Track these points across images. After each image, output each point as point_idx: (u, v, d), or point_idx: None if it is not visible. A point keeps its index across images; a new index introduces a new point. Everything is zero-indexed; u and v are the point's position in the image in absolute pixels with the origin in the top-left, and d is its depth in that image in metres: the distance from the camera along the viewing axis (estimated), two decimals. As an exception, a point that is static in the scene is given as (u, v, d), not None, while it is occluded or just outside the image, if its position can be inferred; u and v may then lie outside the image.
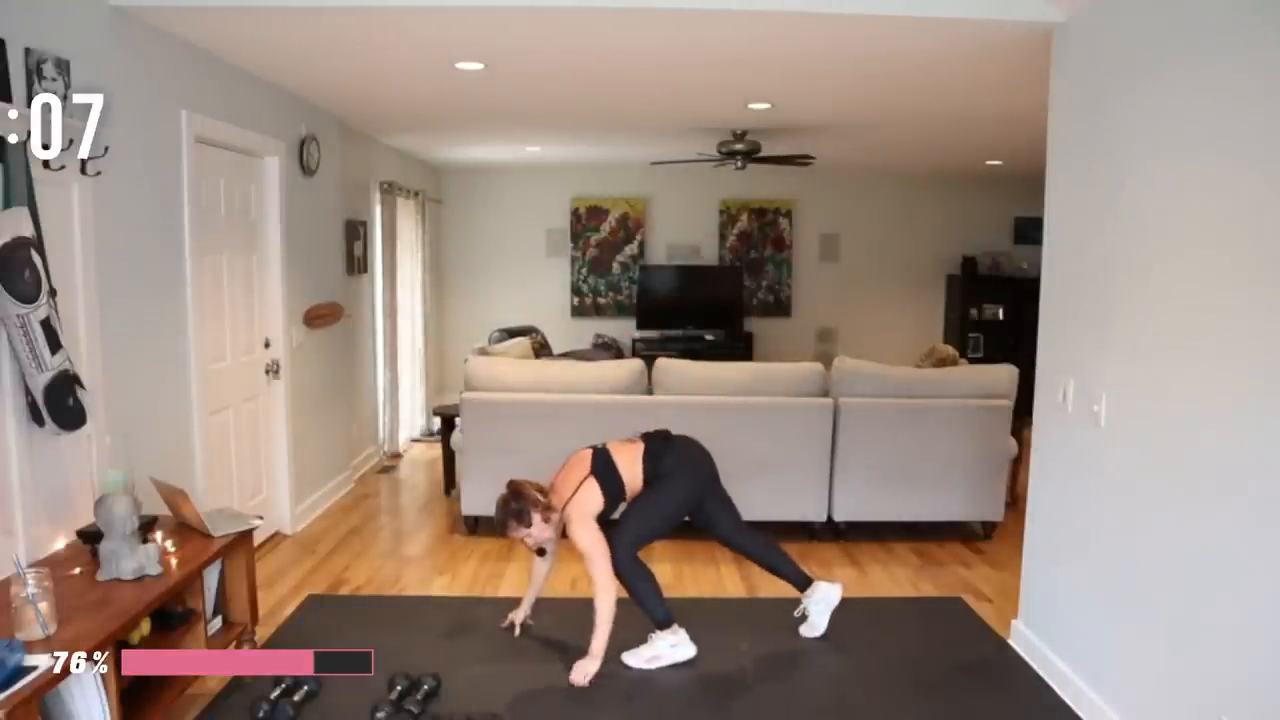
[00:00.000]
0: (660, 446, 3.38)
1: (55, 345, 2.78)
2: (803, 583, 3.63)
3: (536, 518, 3.25)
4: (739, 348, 8.75)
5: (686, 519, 3.53)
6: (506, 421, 4.92)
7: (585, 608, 3.95)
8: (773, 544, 3.70)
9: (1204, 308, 2.53)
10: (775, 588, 3.89)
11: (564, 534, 3.37)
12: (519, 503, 3.26)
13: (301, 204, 5.18)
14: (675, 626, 3.39)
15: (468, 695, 3.10)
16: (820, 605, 3.59)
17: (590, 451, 3.38)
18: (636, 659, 3.35)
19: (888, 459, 4.91)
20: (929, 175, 8.88)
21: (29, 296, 2.68)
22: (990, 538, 5.11)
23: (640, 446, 3.36)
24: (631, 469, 3.32)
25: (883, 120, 5.82)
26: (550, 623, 3.69)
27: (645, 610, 3.39)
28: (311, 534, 5.12)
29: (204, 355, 4.08)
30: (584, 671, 3.20)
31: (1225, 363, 2.43)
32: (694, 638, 3.58)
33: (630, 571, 3.32)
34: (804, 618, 3.61)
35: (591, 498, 3.27)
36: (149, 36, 3.61)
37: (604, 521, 3.34)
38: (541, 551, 3.43)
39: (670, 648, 3.36)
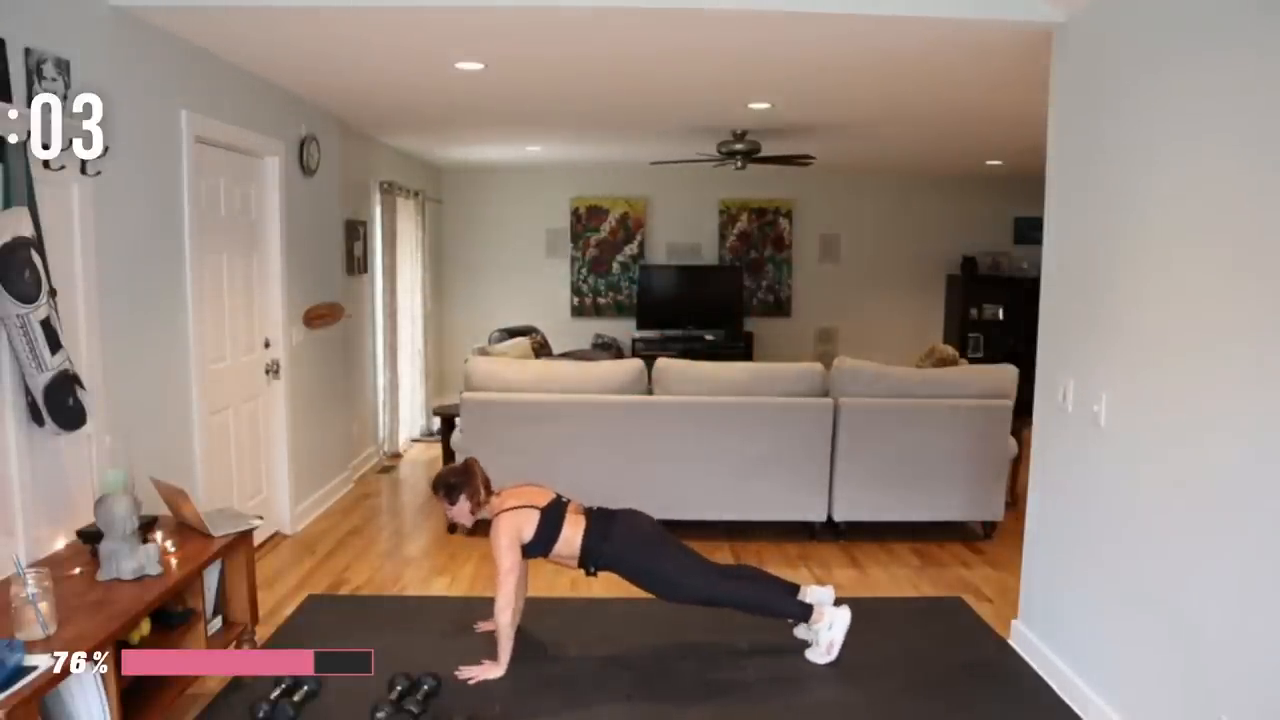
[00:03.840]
0: (601, 528, 3.34)
1: (55, 345, 2.78)
2: (805, 614, 3.46)
3: (464, 503, 3.30)
4: (739, 348, 8.76)
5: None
6: (506, 421, 4.92)
7: (586, 608, 3.97)
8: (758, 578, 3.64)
9: (1205, 307, 2.52)
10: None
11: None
12: (458, 479, 3.32)
13: (301, 204, 5.18)
14: (816, 608, 3.40)
15: (468, 695, 3.10)
16: (832, 631, 3.42)
17: (555, 494, 3.39)
18: (820, 656, 3.38)
19: (888, 459, 4.91)
20: (929, 175, 8.89)
21: (29, 296, 2.68)
22: (990, 538, 5.11)
23: (583, 524, 3.34)
24: (571, 536, 3.31)
25: (883, 120, 5.82)
26: (551, 623, 3.69)
27: (781, 617, 3.45)
28: (311, 534, 5.12)
29: (204, 355, 4.08)
30: (477, 672, 3.20)
31: (1225, 362, 2.43)
32: (694, 638, 3.59)
33: (729, 594, 3.40)
34: (812, 641, 3.47)
35: (526, 524, 3.27)
36: (149, 36, 3.61)
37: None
38: (453, 529, 3.43)
39: (829, 629, 3.38)
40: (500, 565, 3.22)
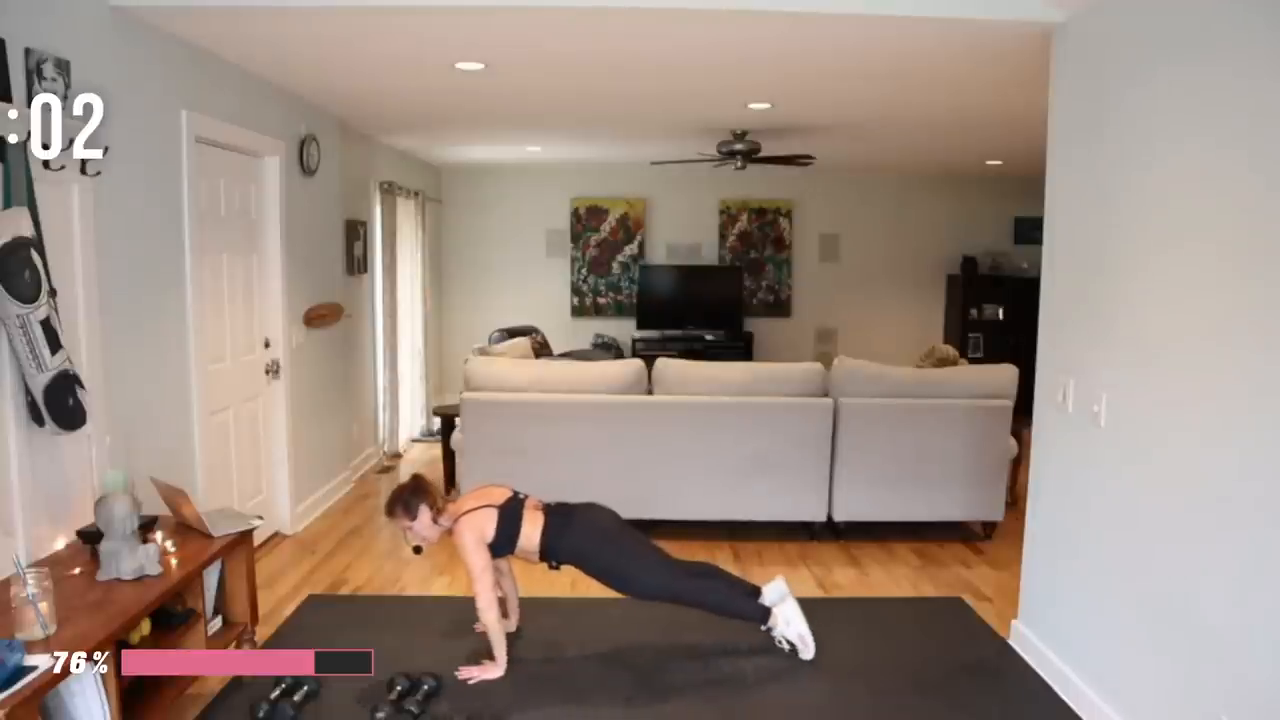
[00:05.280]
0: (559, 525, 3.34)
1: (55, 345, 2.78)
2: (764, 616, 3.46)
3: (425, 514, 3.28)
4: (739, 348, 8.75)
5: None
6: (506, 422, 4.92)
7: (586, 608, 3.97)
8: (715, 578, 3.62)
9: (1204, 307, 2.53)
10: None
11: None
12: (414, 497, 3.30)
13: (301, 204, 5.18)
14: (771, 610, 3.42)
15: (468, 695, 3.10)
16: (791, 628, 3.42)
17: (510, 492, 3.40)
18: (805, 653, 3.39)
19: (888, 459, 4.91)
20: (929, 175, 8.88)
21: (29, 296, 2.68)
22: (990, 538, 5.10)
23: (541, 520, 3.34)
24: (530, 533, 3.32)
25: (883, 120, 5.82)
26: (551, 623, 3.69)
27: (739, 618, 3.46)
28: (311, 534, 5.12)
29: (204, 355, 4.08)
30: (477, 672, 3.21)
31: (1225, 362, 2.43)
32: (694, 638, 3.59)
33: (688, 592, 3.42)
34: (790, 647, 3.44)
35: (487, 523, 3.27)
36: (149, 36, 3.61)
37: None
38: (418, 549, 3.42)
39: (788, 626, 3.39)
40: (472, 567, 3.23)
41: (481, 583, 3.21)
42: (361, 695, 2.98)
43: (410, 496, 3.30)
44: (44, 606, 2.34)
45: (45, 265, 2.76)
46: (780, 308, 9.22)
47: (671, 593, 3.41)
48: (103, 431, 3.23)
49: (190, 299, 3.94)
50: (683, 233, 9.14)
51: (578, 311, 9.15)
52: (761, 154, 6.48)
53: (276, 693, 2.96)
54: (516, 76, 4.58)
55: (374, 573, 4.53)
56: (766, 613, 3.42)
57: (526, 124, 6.34)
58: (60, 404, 2.83)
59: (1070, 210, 3.34)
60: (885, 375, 5.01)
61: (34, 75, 2.84)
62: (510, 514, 3.31)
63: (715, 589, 3.50)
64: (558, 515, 3.37)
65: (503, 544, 3.30)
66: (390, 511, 3.35)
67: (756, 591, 3.50)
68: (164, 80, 3.76)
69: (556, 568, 3.41)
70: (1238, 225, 2.40)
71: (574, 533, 3.34)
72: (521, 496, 3.40)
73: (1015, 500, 5.19)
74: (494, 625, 3.23)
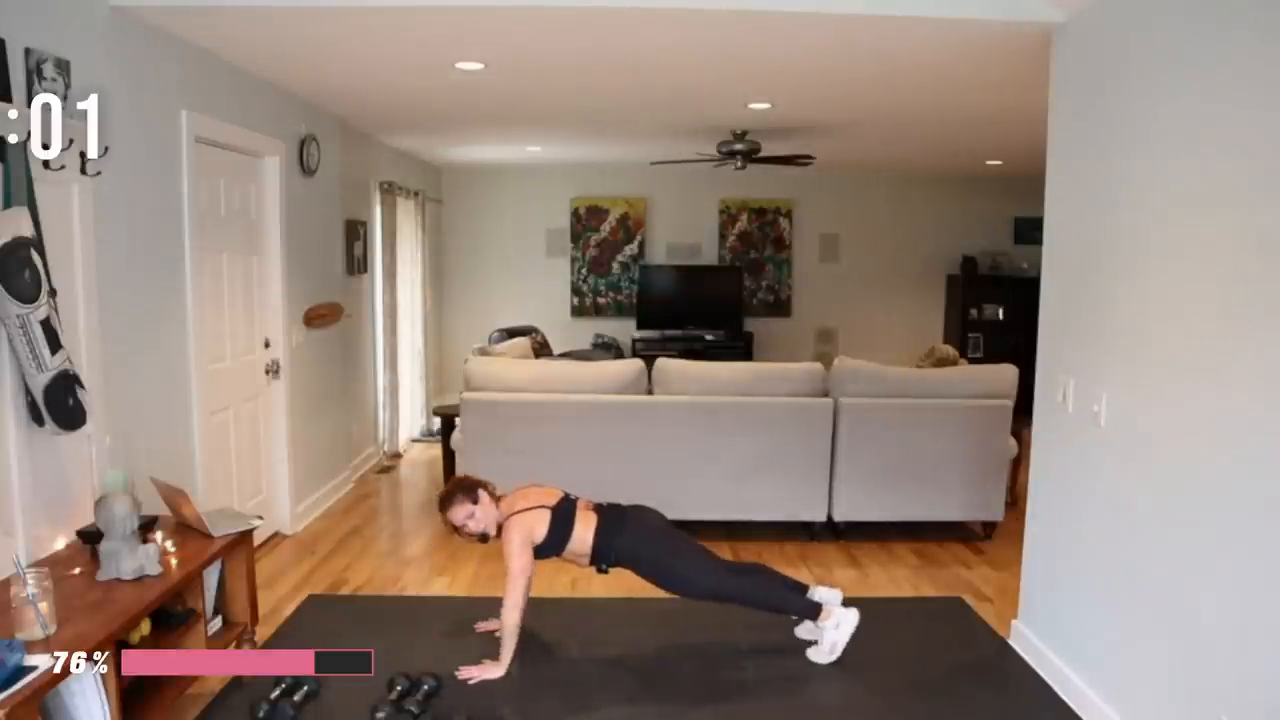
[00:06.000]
0: (614, 525, 3.35)
1: (55, 345, 2.78)
2: (813, 611, 3.43)
3: (485, 497, 3.31)
4: (739, 348, 8.76)
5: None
6: (506, 421, 4.92)
7: (586, 608, 3.98)
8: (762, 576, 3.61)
9: (1204, 307, 2.52)
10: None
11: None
12: (470, 481, 3.36)
13: (301, 204, 5.18)
14: (824, 607, 3.40)
15: (468, 695, 3.10)
16: (837, 630, 3.39)
17: (562, 494, 3.41)
18: (823, 655, 3.37)
19: (888, 459, 4.91)
20: (929, 175, 8.89)
21: (29, 296, 2.68)
22: (990, 538, 5.10)
23: (595, 520, 3.35)
24: (583, 534, 3.32)
25: (883, 120, 5.82)
26: (551, 623, 3.69)
27: (789, 614, 3.45)
28: (311, 534, 5.12)
29: (204, 355, 4.08)
30: (477, 672, 3.20)
31: (1225, 362, 2.43)
32: (694, 639, 3.59)
33: (739, 590, 3.40)
34: (815, 643, 3.44)
35: (538, 525, 3.28)
36: (149, 36, 3.61)
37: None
38: (485, 538, 3.42)
39: (836, 628, 3.37)
40: (512, 567, 3.22)
41: (516, 585, 3.20)
42: (361, 695, 2.98)
43: (469, 485, 3.34)
44: (44, 606, 2.34)
45: (45, 265, 2.75)
46: (780, 308, 9.22)
47: (723, 591, 3.40)
48: (103, 431, 3.23)
49: (190, 299, 3.94)
50: (683, 233, 9.14)
51: (578, 311, 9.15)
52: (761, 154, 6.48)
53: (276, 693, 2.96)
54: (516, 76, 4.58)
55: (374, 573, 4.53)
56: (817, 608, 3.40)
57: (526, 124, 6.34)
58: (60, 404, 2.83)
59: (1070, 210, 3.34)
60: (885, 375, 5.01)
61: (34, 75, 2.83)
62: (563, 515, 3.32)
63: (767, 586, 3.49)
64: (611, 516, 3.38)
65: (553, 545, 3.31)
66: (448, 503, 3.35)
67: (804, 589, 3.50)
68: (164, 80, 3.76)
69: (605, 570, 3.40)
70: (1237, 224, 2.40)
71: (629, 533, 3.34)
72: (573, 498, 3.40)
73: (1015, 500, 5.19)
74: (512, 628, 3.21)
